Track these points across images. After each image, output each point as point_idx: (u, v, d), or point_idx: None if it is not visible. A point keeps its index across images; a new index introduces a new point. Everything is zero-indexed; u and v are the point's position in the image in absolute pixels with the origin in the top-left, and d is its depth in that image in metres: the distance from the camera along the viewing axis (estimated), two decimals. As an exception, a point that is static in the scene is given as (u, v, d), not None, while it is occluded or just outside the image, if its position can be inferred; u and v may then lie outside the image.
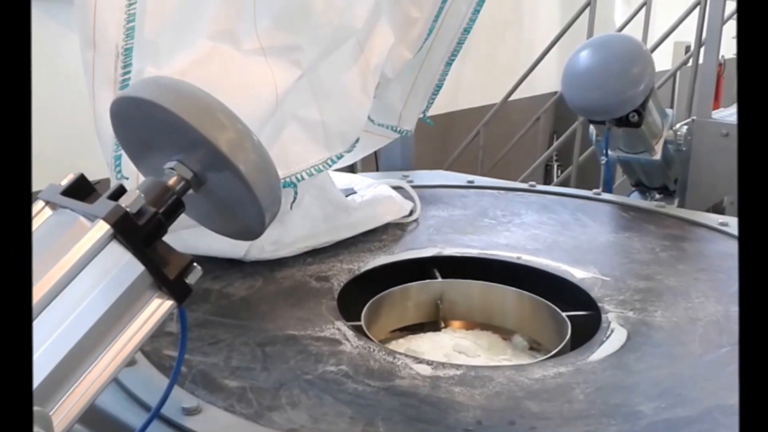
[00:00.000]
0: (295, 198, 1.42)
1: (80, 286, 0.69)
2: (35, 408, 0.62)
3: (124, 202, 0.72)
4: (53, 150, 2.84)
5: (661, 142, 2.16)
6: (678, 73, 4.64)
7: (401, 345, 1.34)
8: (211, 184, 0.83)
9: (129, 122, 0.86)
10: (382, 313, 1.38)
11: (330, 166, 1.47)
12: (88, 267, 0.70)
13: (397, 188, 1.79)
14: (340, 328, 1.20)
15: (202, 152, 0.79)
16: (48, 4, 2.87)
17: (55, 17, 2.86)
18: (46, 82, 2.79)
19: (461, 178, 2.10)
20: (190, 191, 0.82)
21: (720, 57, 2.58)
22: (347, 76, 1.45)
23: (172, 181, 0.80)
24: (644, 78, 1.91)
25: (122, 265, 0.72)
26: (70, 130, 2.86)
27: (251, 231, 0.88)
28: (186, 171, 0.81)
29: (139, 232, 0.73)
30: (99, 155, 1.26)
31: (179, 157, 0.81)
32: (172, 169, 0.81)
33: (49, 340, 0.67)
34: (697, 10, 3.92)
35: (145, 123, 0.83)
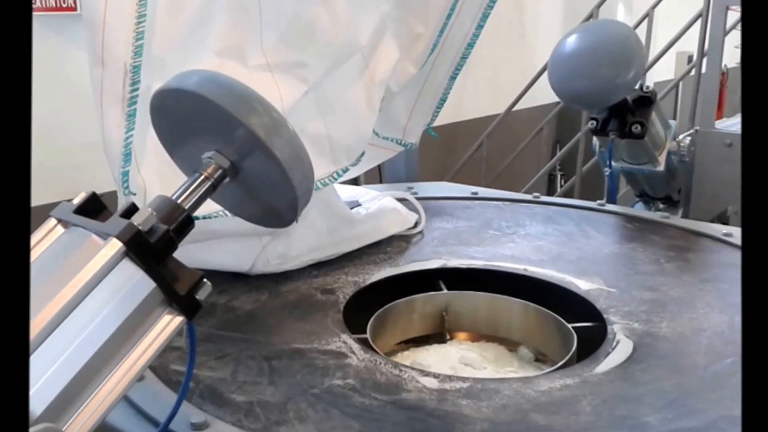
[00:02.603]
0: (300, 211, 1.43)
1: (93, 303, 0.70)
2: (48, 425, 0.63)
3: (136, 220, 0.73)
4: (60, 162, 2.85)
5: (665, 152, 2.16)
6: (681, 83, 4.65)
7: (407, 357, 1.35)
8: (246, 172, 0.84)
9: (168, 114, 0.88)
10: (387, 325, 1.38)
11: (336, 179, 1.48)
12: (100, 284, 0.71)
13: (401, 200, 1.80)
14: (346, 341, 1.20)
15: (240, 140, 0.81)
16: (57, 19, 2.89)
17: (63, 32, 2.89)
18: (54, 96, 2.81)
19: (465, 190, 2.10)
20: (226, 180, 0.84)
21: (722, 66, 2.58)
22: (352, 91, 1.46)
23: (209, 170, 0.83)
24: (634, 64, 1.77)
25: (134, 282, 0.73)
26: (77, 144, 2.88)
27: (283, 218, 0.90)
28: (223, 160, 0.83)
29: (151, 250, 0.74)
30: (106, 168, 1.27)
31: (216, 146, 0.83)
32: (209, 158, 0.83)
33: (63, 357, 0.68)
34: (699, 21, 3.93)
35: (184, 114, 0.85)
